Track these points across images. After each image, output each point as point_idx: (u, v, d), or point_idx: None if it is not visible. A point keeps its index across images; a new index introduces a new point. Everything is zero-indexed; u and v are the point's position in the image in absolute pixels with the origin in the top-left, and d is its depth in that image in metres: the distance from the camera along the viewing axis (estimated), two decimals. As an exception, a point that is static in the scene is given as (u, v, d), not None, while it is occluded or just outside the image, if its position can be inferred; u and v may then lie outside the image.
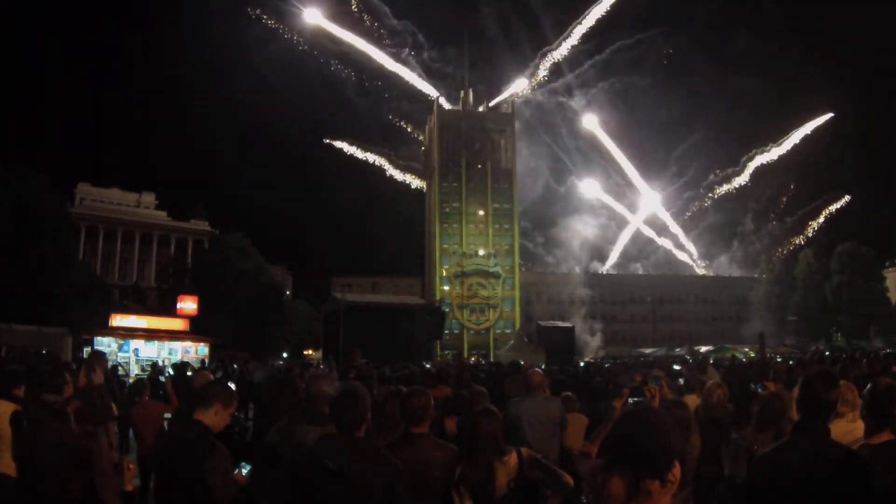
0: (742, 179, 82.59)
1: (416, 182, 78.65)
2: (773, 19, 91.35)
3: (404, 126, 78.95)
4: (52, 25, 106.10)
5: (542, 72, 77.74)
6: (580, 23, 76.53)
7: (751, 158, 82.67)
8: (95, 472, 2.91)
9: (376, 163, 76.71)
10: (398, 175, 77.77)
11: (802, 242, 75.05)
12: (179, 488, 3.47)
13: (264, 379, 11.43)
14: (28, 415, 4.04)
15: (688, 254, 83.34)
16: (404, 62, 76.06)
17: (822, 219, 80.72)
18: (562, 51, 77.26)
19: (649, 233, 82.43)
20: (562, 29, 76.88)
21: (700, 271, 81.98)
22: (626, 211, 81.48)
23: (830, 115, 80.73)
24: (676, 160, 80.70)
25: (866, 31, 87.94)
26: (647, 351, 51.33)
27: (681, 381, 9.34)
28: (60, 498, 2.57)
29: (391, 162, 77.16)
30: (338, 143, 76.09)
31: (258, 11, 70.63)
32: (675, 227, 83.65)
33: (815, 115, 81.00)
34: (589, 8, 76.44)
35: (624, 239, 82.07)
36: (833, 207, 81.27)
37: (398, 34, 75.69)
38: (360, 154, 76.14)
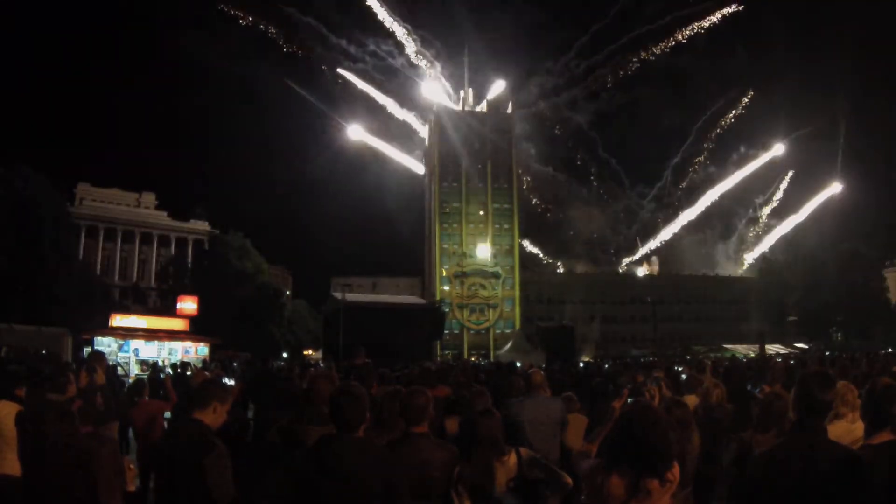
0: (740, 177, 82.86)
1: (419, 168, 78.41)
2: (773, 36, 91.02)
3: (406, 126, 79.04)
4: (52, 25, 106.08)
5: (542, 79, 78.13)
6: (584, 37, 76.97)
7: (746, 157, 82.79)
8: (97, 472, 2.93)
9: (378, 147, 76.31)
10: (400, 158, 77.50)
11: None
12: (180, 487, 3.48)
13: (253, 378, 11.40)
14: (33, 415, 4.05)
15: (686, 254, 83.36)
16: (405, 62, 76.19)
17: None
18: (564, 56, 77.72)
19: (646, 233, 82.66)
20: (565, 34, 77.20)
21: (699, 271, 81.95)
22: (622, 213, 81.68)
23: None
24: (675, 165, 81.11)
25: (864, 39, 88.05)
26: (647, 351, 51.29)
27: (683, 377, 9.36)
28: (65, 498, 2.58)
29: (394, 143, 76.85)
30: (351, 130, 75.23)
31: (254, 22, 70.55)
32: (672, 228, 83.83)
33: (815, 122, 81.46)
34: (592, 23, 76.86)
35: (623, 240, 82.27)
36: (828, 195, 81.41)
37: (400, 35, 75.79)
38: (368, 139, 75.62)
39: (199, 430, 3.60)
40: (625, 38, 78.01)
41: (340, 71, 74.31)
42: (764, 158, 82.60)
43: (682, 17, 78.22)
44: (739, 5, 79.67)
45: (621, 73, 78.06)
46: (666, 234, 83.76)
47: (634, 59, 77.65)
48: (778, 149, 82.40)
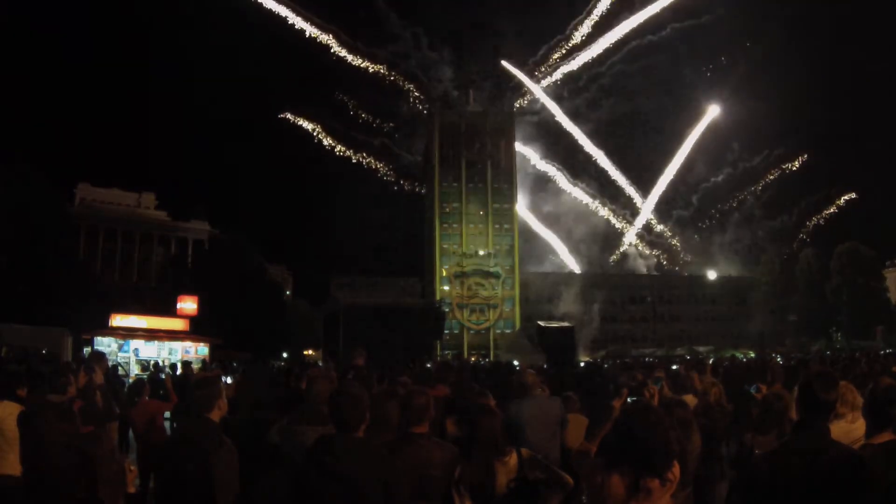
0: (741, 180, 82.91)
1: (412, 185, 79.05)
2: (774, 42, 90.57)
3: (406, 125, 79.17)
4: (51, 25, 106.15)
5: (544, 78, 78.30)
6: (584, 44, 77.12)
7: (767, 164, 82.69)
8: (98, 473, 2.93)
9: (368, 164, 76.75)
10: (393, 177, 77.99)
11: (806, 238, 75.28)
12: (184, 486, 3.49)
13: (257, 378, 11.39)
14: (34, 415, 4.06)
15: (686, 254, 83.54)
16: (405, 62, 76.27)
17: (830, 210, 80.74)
18: (563, 58, 77.82)
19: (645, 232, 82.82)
20: (567, 41, 77.36)
21: (700, 271, 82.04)
22: (626, 215, 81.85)
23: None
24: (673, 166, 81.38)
25: (863, 36, 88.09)
26: (647, 351, 51.30)
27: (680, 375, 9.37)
28: (66, 499, 2.59)
29: (385, 166, 77.36)
30: (327, 142, 75.84)
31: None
32: (672, 228, 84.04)
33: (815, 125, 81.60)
34: (595, 35, 76.99)
35: (624, 240, 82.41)
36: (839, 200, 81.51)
37: (400, 34, 75.91)
38: (354, 157, 76.33)
39: (207, 427, 3.67)
40: (625, 49, 78.06)
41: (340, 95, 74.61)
42: (757, 161, 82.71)
43: (681, 28, 78.24)
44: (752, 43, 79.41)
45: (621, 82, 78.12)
46: (662, 230, 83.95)
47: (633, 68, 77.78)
48: (774, 151, 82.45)
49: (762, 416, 4.62)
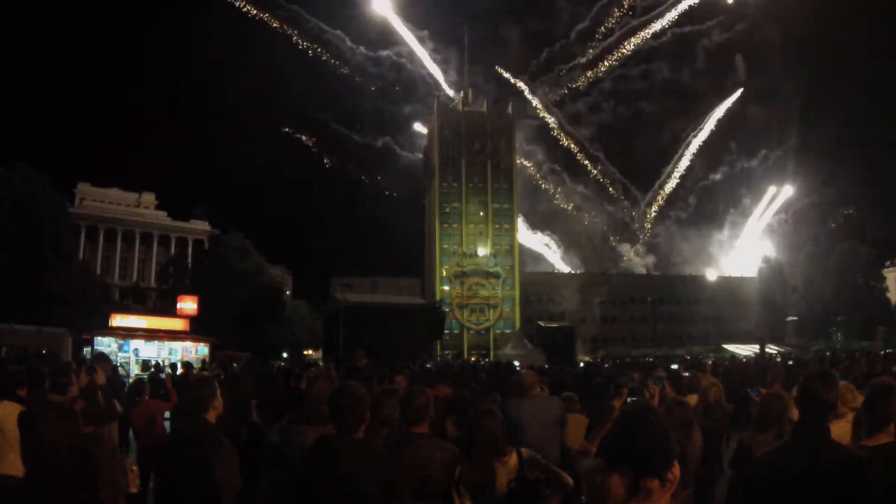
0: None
1: (419, 168, 79.37)
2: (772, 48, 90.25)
3: (406, 125, 79.30)
4: (51, 25, 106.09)
5: (544, 80, 78.53)
6: (588, 44, 77.27)
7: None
8: (98, 473, 2.94)
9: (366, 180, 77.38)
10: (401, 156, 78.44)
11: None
12: (184, 486, 3.49)
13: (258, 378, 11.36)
14: (35, 415, 4.05)
15: (686, 255, 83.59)
16: (408, 63, 76.32)
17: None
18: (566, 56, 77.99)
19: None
20: (568, 44, 77.62)
21: (699, 271, 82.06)
22: (625, 216, 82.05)
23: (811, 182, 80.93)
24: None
25: (862, 43, 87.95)
26: (647, 351, 51.27)
27: (686, 374, 9.38)
28: (67, 499, 2.60)
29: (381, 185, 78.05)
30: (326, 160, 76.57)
31: (265, 16, 70.98)
32: (670, 228, 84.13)
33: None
34: (599, 43, 77.21)
35: (622, 244, 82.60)
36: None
37: (403, 37, 76.01)
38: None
39: (206, 428, 3.67)
40: (627, 54, 78.24)
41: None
42: (754, 163, 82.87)
43: (682, 34, 78.40)
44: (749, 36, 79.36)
45: (621, 86, 78.42)
46: (661, 231, 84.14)
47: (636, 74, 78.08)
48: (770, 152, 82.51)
49: (761, 415, 4.62)
